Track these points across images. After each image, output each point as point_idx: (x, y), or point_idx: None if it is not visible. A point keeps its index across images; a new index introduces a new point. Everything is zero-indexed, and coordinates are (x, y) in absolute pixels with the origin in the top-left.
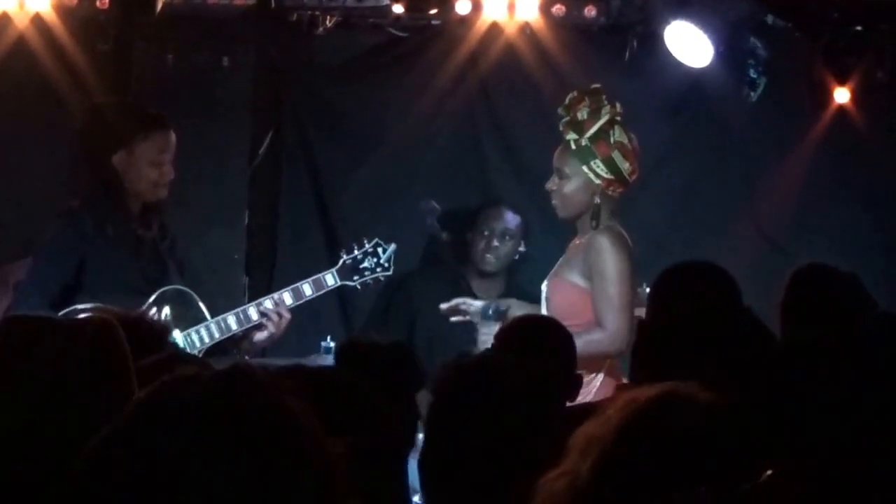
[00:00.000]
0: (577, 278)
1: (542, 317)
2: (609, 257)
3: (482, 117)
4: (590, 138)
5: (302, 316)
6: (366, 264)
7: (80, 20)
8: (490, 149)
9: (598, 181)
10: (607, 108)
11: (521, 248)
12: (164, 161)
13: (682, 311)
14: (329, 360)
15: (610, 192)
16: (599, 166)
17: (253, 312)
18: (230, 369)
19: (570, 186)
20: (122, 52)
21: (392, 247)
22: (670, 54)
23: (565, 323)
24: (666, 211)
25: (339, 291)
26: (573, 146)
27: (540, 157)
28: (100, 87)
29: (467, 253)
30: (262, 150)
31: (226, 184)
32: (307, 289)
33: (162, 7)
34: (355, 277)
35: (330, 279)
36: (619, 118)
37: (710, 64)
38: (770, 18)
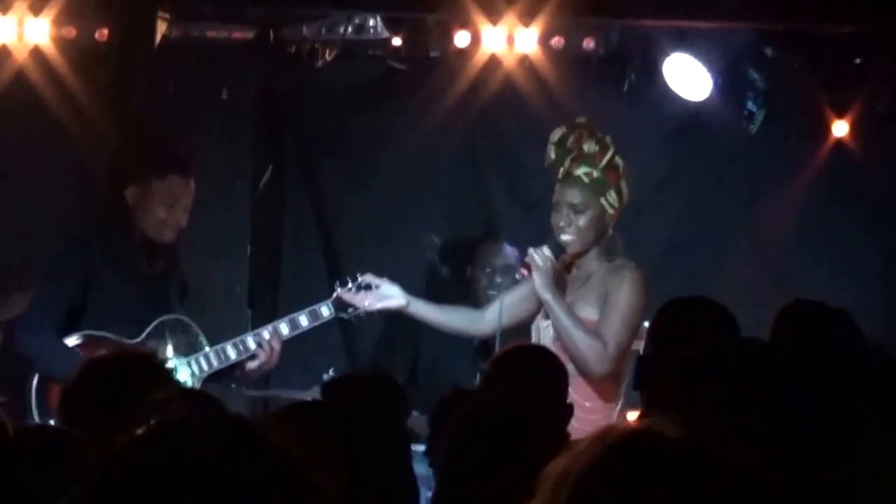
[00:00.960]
0: (590, 312)
1: (536, 346)
2: (634, 290)
3: (482, 149)
4: (603, 169)
5: (307, 348)
6: (360, 296)
7: (79, 52)
8: (490, 180)
9: (611, 211)
10: (608, 138)
11: (518, 276)
12: (175, 205)
13: (681, 351)
14: None
15: (616, 221)
16: (613, 196)
17: (251, 342)
18: (223, 415)
19: (586, 220)
20: (123, 83)
21: (385, 279)
22: (669, 86)
23: None
24: (665, 240)
25: (341, 324)
26: (586, 179)
27: (540, 188)
28: (100, 118)
29: (468, 288)
30: (263, 182)
31: (227, 215)
32: (303, 320)
33: (161, 39)
34: (350, 309)
35: (325, 310)
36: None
37: (709, 96)
38: (769, 50)
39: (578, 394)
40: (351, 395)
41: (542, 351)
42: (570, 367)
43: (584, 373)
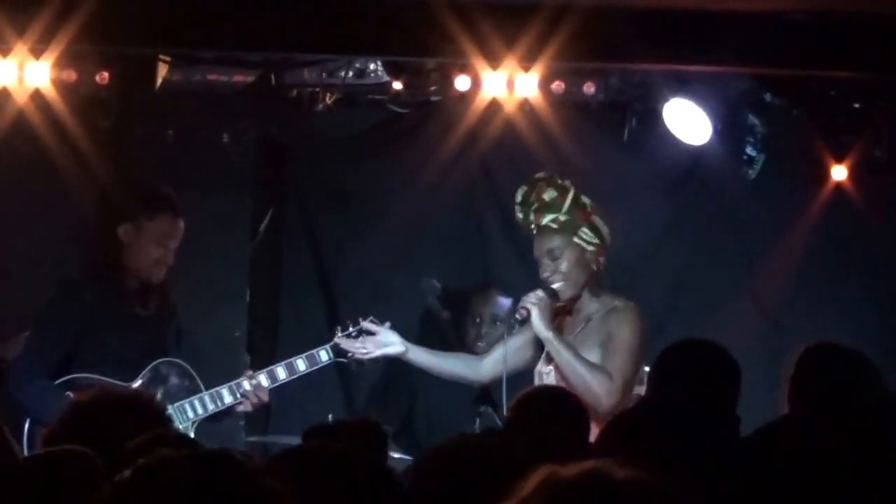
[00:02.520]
0: (593, 356)
1: (554, 387)
2: (635, 329)
3: (482, 194)
4: (568, 211)
5: (305, 393)
6: (358, 343)
7: (79, 96)
8: (490, 226)
9: (590, 248)
10: (567, 181)
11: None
12: (167, 244)
13: (682, 393)
14: None
15: (601, 259)
16: (587, 233)
17: (246, 385)
18: (209, 452)
19: (566, 263)
20: (123, 127)
21: (386, 325)
22: (669, 131)
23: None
24: (665, 287)
25: (339, 369)
26: (554, 225)
27: None
28: (100, 162)
29: (465, 327)
30: (262, 227)
31: (227, 260)
32: (301, 364)
33: (162, 83)
34: (349, 354)
35: (323, 355)
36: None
37: (709, 141)
38: (768, 96)
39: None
40: (330, 440)
41: (562, 392)
42: None
43: (592, 410)
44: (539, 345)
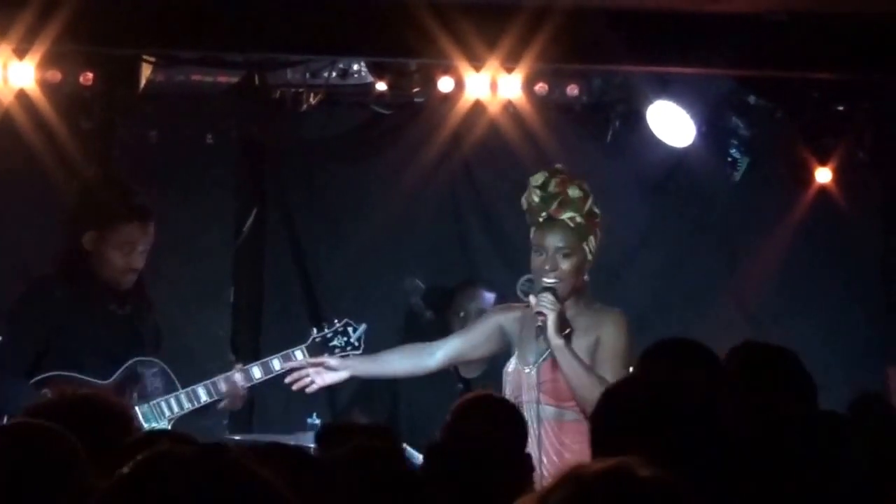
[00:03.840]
0: (581, 356)
1: (494, 394)
2: (624, 332)
3: (465, 195)
4: (585, 215)
5: (289, 392)
6: (335, 342)
7: (64, 96)
8: (473, 226)
9: (590, 257)
10: (586, 185)
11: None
12: (132, 251)
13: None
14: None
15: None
16: (592, 243)
17: (222, 384)
18: (207, 446)
19: (571, 264)
20: (106, 128)
21: (362, 326)
22: (653, 133)
23: (568, 404)
24: (648, 288)
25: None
26: (571, 224)
27: (522, 235)
28: (84, 162)
29: (449, 328)
30: (246, 227)
31: (211, 260)
32: (276, 363)
33: (146, 84)
34: (325, 355)
35: (299, 354)
36: None
37: (693, 143)
38: (752, 98)
39: (565, 435)
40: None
41: (503, 400)
42: (573, 414)
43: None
44: (501, 341)
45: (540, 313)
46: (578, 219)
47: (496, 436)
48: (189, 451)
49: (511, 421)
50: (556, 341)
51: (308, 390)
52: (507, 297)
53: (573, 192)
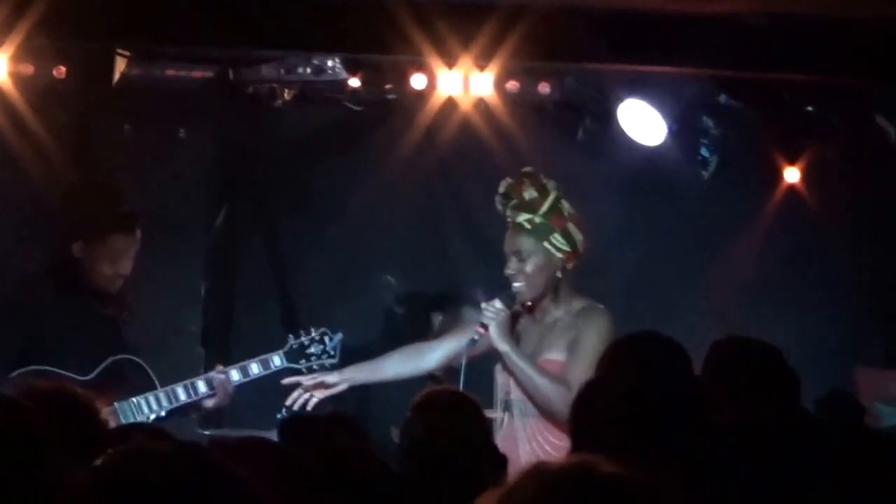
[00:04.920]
0: (557, 354)
1: (458, 391)
2: (601, 332)
3: (439, 191)
4: (544, 214)
5: (259, 388)
6: (312, 350)
7: (37, 90)
8: (447, 223)
9: (559, 255)
10: (551, 183)
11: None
12: (120, 261)
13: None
14: None
15: (568, 266)
16: (559, 240)
17: (201, 385)
18: (182, 443)
19: (532, 266)
20: (80, 121)
21: (338, 336)
22: (624, 132)
23: None
24: (619, 287)
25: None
26: (528, 226)
27: (496, 230)
28: (58, 156)
29: (423, 328)
30: (217, 222)
31: (183, 255)
32: (254, 367)
33: (119, 78)
34: (301, 361)
35: (277, 360)
36: (561, 191)
37: (663, 142)
38: (723, 98)
39: (550, 433)
40: (308, 436)
41: (465, 396)
42: (535, 409)
43: (555, 417)
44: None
45: (482, 324)
46: (537, 219)
47: (459, 429)
48: (164, 447)
49: (471, 414)
50: (503, 347)
51: (309, 406)
52: (484, 293)
53: (528, 194)
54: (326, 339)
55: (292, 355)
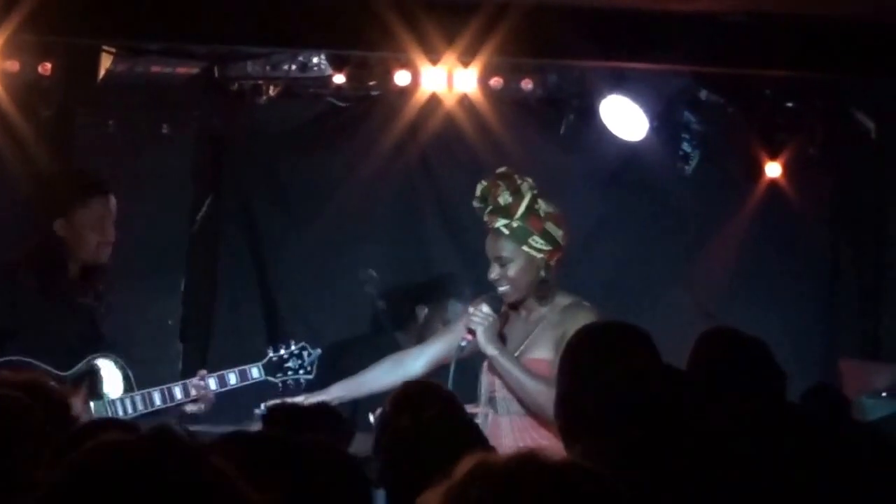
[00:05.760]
0: (544, 353)
1: (430, 382)
2: None
3: (422, 187)
4: (521, 218)
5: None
6: (290, 364)
7: (22, 86)
8: (429, 218)
9: (540, 255)
10: (525, 184)
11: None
12: (104, 225)
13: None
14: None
15: (552, 263)
16: (538, 241)
17: (178, 391)
18: (153, 433)
19: (515, 269)
20: (65, 117)
21: (316, 352)
22: (606, 127)
23: None
24: (601, 281)
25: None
26: (506, 231)
27: (477, 226)
28: (42, 151)
29: (420, 329)
30: (199, 216)
31: (164, 249)
32: (232, 378)
33: (105, 74)
34: (279, 375)
35: (255, 372)
36: (537, 190)
37: (645, 137)
38: (704, 94)
39: (535, 430)
40: (292, 425)
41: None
42: (519, 407)
43: (542, 416)
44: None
45: (470, 329)
46: (514, 224)
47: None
48: (137, 438)
49: (450, 407)
50: (491, 352)
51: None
52: (465, 293)
53: (503, 198)
54: (305, 353)
55: (270, 368)
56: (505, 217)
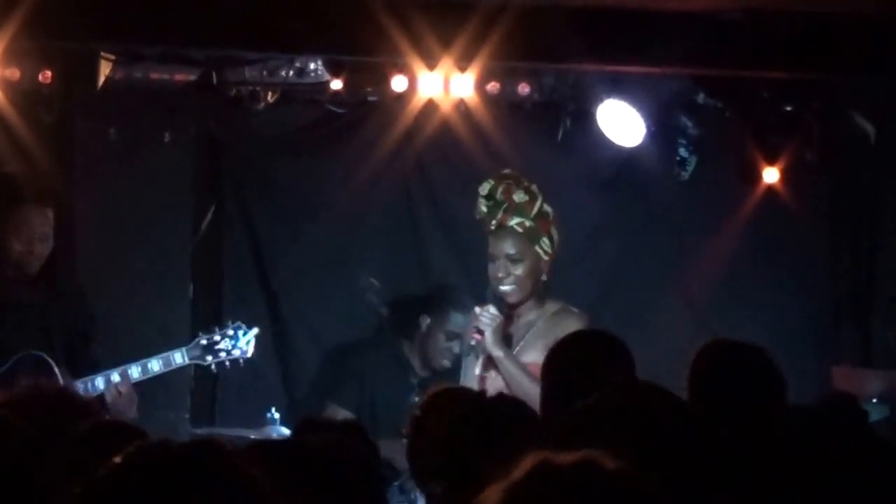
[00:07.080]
0: (535, 357)
1: (456, 388)
2: None
3: (418, 192)
4: (534, 218)
5: (249, 386)
6: (222, 345)
7: (23, 93)
8: (426, 224)
9: (545, 258)
10: (534, 186)
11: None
12: (31, 236)
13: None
14: (279, 429)
15: (548, 269)
16: (546, 244)
17: (100, 382)
18: (200, 441)
19: (523, 269)
20: (65, 125)
21: (254, 330)
22: (603, 133)
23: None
24: (596, 286)
25: (281, 361)
26: (520, 230)
27: (475, 231)
28: (42, 159)
29: (422, 338)
30: (205, 223)
31: (169, 256)
32: (155, 365)
33: (104, 81)
34: (208, 357)
35: (178, 357)
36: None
37: (642, 142)
38: (701, 97)
39: None
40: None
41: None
42: None
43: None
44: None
45: (479, 330)
46: (527, 223)
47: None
48: (180, 445)
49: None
50: (497, 353)
51: None
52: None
53: (518, 197)
54: (240, 332)
55: (197, 352)
56: (520, 216)
